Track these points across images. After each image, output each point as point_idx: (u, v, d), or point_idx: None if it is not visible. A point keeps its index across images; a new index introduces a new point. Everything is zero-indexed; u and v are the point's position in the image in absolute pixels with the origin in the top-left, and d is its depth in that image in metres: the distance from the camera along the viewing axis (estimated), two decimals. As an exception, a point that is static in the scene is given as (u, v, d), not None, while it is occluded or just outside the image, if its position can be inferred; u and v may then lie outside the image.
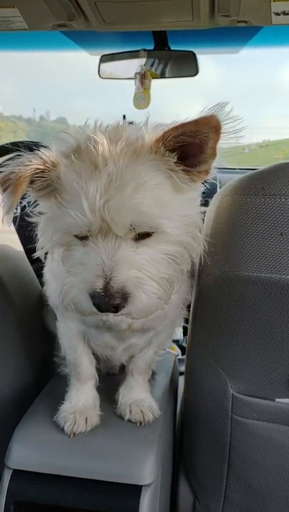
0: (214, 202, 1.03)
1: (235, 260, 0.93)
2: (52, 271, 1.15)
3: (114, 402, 1.22)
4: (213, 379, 1.13)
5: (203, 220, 0.98)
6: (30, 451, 1.08)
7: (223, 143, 0.86)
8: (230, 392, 1.11)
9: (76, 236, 0.89)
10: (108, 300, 0.84)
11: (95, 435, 1.12)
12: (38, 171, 0.90)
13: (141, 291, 0.85)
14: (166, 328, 1.22)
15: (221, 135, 0.84)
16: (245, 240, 0.91)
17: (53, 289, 1.17)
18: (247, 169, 3.22)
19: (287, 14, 1.54)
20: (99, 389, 1.23)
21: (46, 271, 1.20)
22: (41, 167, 0.90)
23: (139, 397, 1.22)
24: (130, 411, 1.19)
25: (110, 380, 1.30)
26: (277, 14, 1.53)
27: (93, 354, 1.24)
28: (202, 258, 0.99)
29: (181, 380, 1.56)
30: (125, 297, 0.84)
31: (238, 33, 1.99)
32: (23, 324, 1.33)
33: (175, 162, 0.88)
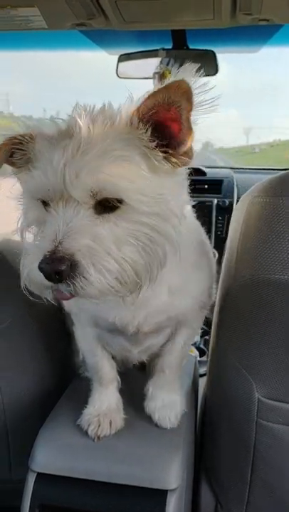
0: (243, 203, 1.01)
1: (266, 263, 0.91)
2: None
3: (137, 404, 1.21)
4: (238, 383, 1.12)
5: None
6: (55, 454, 1.07)
7: (200, 116, 0.80)
8: (256, 396, 1.09)
9: (44, 204, 0.86)
10: (52, 264, 0.76)
11: (119, 438, 1.11)
12: (16, 141, 0.89)
13: (92, 264, 0.77)
14: (188, 327, 1.19)
15: (194, 104, 0.77)
16: (278, 242, 0.90)
17: None
18: (261, 169, 3.23)
19: (309, 12, 1.52)
20: (121, 391, 1.22)
21: None
22: (19, 138, 0.89)
23: (169, 399, 1.20)
24: (157, 415, 1.18)
25: (133, 382, 1.29)
26: (300, 12, 1.52)
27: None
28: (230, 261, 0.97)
29: (201, 381, 1.55)
30: (73, 266, 0.77)
31: (258, 32, 1.97)
32: (42, 327, 1.32)
33: (150, 139, 0.82)
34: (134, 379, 1.32)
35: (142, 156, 0.82)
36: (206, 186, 2.66)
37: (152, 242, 0.83)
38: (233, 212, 1.11)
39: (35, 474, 1.06)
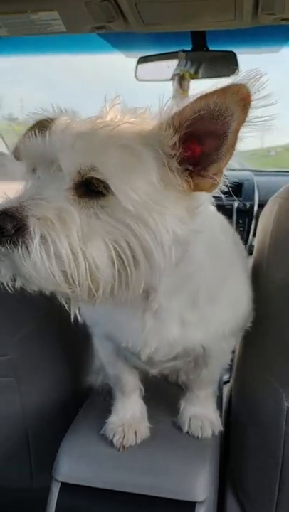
0: (272, 205, 0.99)
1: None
2: None
3: (164, 414, 1.19)
4: (266, 391, 1.09)
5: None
6: (79, 464, 1.05)
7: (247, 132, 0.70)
8: (285, 406, 1.06)
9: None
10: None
11: (145, 448, 1.09)
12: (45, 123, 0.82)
13: (42, 238, 0.67)
14: (214, 357, 1.08)
15: (249, 114, 0.68)
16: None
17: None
18: (282, 171, 3.18)
19: None
20: (146, 400, 1.20)
21: None
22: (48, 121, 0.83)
23: (202, 412, 1.17)
24: (189, 424, 1.15)
25: (157, 390, 1.26)
26: None
27: None
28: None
29: (225, 389, 1.52)
30: (20, 231, 0.67)
31: (279, 32, 1.94)
32: (61, 335, 1.31)
33: (173, 147, 0.73)
34: (158, 387, 1.29)
35: (156, 160, 0.74)
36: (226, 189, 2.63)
37: (129, 252, 0.72)
38: (261, 216, 1.08)
39: (59, 484, 1.04)
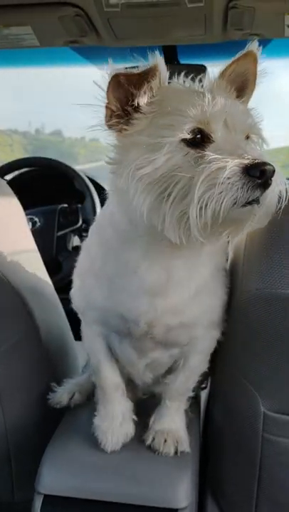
0: None
1: (271, 278, 0.92)
2: (79, 267, 1.14)
3: (145, 423, 1.20)
4: (243, 396, 1.11)
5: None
6: (61, 475, 1.06)
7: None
8: (261, 411, 1.09)
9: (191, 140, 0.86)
10: (266, 163, 0.80)
11: (128, 457, 1.10)
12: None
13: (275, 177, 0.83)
14: (196, 352, 1.16)
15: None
16: (282, 258, 0.90)
17: (77, 287, 1.14)
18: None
19: (300, 27, 1.55)
20: (136, 409, 1.21)
21: (75, 269, 1.17)
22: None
23: (170, 427, 1.17)
24: (153, 438, 1.15)
25: (143, 403, 1.27)
26: (290, 27, 1.54)
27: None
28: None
29: (203, 394, 1.55)
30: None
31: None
32: (43, 346, 1.31)
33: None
34: (143, 400, 1.31)
35: None
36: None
37: None
38: None
39: (42, 496, 1.04)
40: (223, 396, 1.22)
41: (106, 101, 0.89)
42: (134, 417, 1.18)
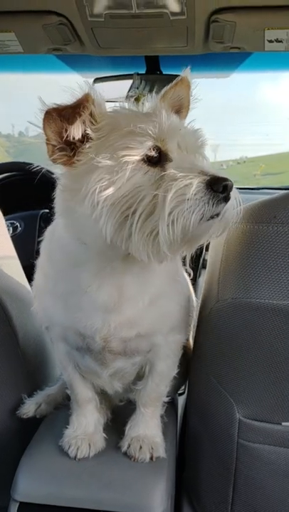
0: None
1: (247, 287, 0.94)
2: (35, 286, 1.15)
3: (122, 429, 1.21)
4: (218, 403, 1.13)
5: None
6: (38, 482, 1.06)
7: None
8: (236, 417, 1.11)
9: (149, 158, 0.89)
10: (224, 178, 0.84)
11: (104, 463, 1.11)
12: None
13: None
14: (160, 358, 1.17)
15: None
16: (258, 268, 0.92)
17: (37, 304, 1.15)
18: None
19: (279, 41, 1.59)
20: (113, 415, 1.22)
21: (33, 287, 1.17)
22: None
23: (145, 433, 1.18)
24: (129, 445, 1.16)
25: (120, 410, 1.28)
26: (270, 41, 1.58)
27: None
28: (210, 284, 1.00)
29: (180, 400, 1.56)
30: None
31: (229, 58, 2.04)
32: (18, 355, 1.31)
33: None
34: (120, 406, 1.32)
35: None
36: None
37: None
38: None
39: (18, 504, 1.04)
40: (200, 402, 1.23)
41: (45, 137, 0.90)
42: (110, 425, 1.21)
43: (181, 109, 1.05)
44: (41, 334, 1.44)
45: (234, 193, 0.87)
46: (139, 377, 1.22)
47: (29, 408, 1.30)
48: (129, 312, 1.04)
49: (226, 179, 0.84)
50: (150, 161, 0.88)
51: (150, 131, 0.88)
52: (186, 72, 1.04)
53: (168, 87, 1.04)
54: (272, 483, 1.14)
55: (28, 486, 1.05)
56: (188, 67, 1.05)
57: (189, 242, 0.89)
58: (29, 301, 1.43)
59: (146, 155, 0.87)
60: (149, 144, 0.88)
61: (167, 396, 1.25)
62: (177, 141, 0.91)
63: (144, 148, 0.87)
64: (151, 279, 1.05)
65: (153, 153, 0.88)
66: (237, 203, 0.88)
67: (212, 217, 0.85)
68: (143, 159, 0.88)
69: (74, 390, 1.21)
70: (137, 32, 1.61)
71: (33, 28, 1.57)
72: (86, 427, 1.18)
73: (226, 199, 0.85)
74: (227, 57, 1.99)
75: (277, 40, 1.57)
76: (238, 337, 1.01)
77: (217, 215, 0.85)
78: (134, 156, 0.87)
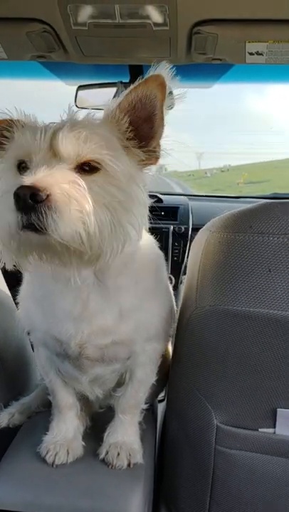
0: (202, 237, 1.06)
1: (224, 295, 0.96)
2: (21, 290, 1.16)
3: (101, 436, 1.21)
4: (197, 410, 1.14)
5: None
6: (16, 489, 1.05)
7: (169, 107, 0.94)
8: (214, 423, 1.12)
9: (20, 165, 0.92)
10: (30, 188, 0.79)
11: (82, 470, 1.11)
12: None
13: (67, 202, 0.81)
14: (139, 366, 1.18)
15: (167, 94, 0.92)
16: (235, 276, 0.94)
17: (20, 308, 1.16)
18: (214, 196, 3.33)
19: (260, 54, 1.62)
20: (92, 422, 1.22)
21: (21, 288, 1.18)
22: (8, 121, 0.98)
23: (123, 440, 1.18)
24: (107, 451, 1.16)
25: (101, 416, 1.28)
26: (251, 54, 1.61)
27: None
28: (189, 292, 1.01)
29: (160, 406, 1.56)
30: (49, 198, 0.80)
31: (211, 69, 2.07)
32: (6, 359, 1.31)
33: (126, 131, 0.95)
34: (101, 413, 1.32)
35: (120, 141, 0.95)
36: (163, 213, 2.72)
37: (119, 214, 0.89)
38: (192, 244, 1.15)
39: None
40: (178, 408, 1.24)
41: None
42: (88, 432, 1.21)
43: (153, 111, 0.93)
44: (22, 339, 1.44)
45: (66, 212, 0.81)
46: (119, 384, 1.22)
47: (2, 418, 1.31)
48: (100, 322, 1.05)
49: (22, 187, 0.80)
50: (19, 171, 0.93)
51: (19, 146, 0.93)
52: (160, 68, 0.91)
53: (130, 88, 0.93)
54: (249, 489, 1.15)
55: (6, 493, 1.04)
56: (162, 63, 0.92)
57: (31, 252, 0.88)
58: (9, 306, 1.43)
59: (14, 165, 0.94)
60: (16, 156, 0.93)
61: (146, 403, 1.25)
62: (45, 151, 0.89)
63: (13, 160, 0.94)
64: (120, 296, 1.06)
65: (16, 165, 0.94)
66: (71, 225, 0.82)
67: (35, 230, 0.81)
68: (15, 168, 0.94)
69: (55, 395, 1.21)
70: (121, 41, 1.63)
71: (17, 35, 1.57)
72: (66, 433, 1.18)
73: (27, 209, 0.80)
74: (209, 68, 2.02)
75: (257, 53, 1.61)
76: (215, 344, 1.03)
77: (42, 228, 0.80)
78: (7, 166, 0.95)
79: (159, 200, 2.81)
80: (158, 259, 1.18)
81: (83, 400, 1.25)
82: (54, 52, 1.70)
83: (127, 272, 1.06)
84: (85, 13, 1.46)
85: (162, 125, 0.95)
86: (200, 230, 1.09)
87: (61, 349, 1.09)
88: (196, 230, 2.51)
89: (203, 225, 1.09)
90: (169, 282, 1.24)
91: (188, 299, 1.09)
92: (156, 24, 1.49)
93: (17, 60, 1.77)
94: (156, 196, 2.84)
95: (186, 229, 2.69)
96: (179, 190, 13.65)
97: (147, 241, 1.12)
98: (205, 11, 1.43)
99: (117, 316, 1.05)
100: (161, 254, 1.20)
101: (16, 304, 1.45)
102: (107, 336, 1.06)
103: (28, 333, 1.19)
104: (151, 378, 1.22)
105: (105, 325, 1.05)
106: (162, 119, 0.94)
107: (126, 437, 1.18)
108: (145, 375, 1.19)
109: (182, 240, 2.68)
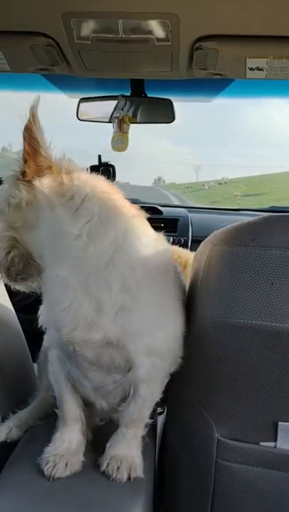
0: (204, 250, 1.06)
1: (226, 307, 0.96)
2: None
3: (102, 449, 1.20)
4: (198, 423, 1.14)
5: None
6: (15, 501, 1.04)
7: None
8: (215, 437, 1.12)
9: None
10: None
11: (82, 483, 1.09)
12: None
13: None
14: (142, 381, 1.14)
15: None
16: (237, 288, 0.95)
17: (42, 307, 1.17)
18: (213, 209, 3.35)
19: (260, 70, 1.64)
20: (95, 435, 1.21)
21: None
22: None
23: (124, 453, 1.16)
24: (108, 464, 1.14)
25: (103, 430, 1.27)
26: (251, 69, 1.63)
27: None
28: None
29: (160, 418, 1.55)
30: None
31: (212, 84, 2.10)
32: (5, 368, 1.30)
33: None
34: (104, 426, 1.31)
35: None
36: (162, 225, 2.73)
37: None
38: (194, 256, 1.16)
39: None
40: (179, 421, 1.24)
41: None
42: (89, 444, 1.19)
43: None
44: (22, 348, 1.44)
45: None
46: (124, 399, 1.20)
47: (0, 433, 1.30)
48: (80, 311, 1.05)
49: None
50: None
51: None
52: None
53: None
54: (249, 503, 1.15)
55: (5, 505, 1.03)
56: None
57: None
58: (9, 315, 1.43)
59: None
60: None
61: (150, 418, 1.24)
62: None
63: None
64: (99, 291, 1.06)
65: None
66: None
67: None
68: None
69: (63, 406, 1.20)
70: (123, 56, 1.64)
71: (21, 49, 1.59)
72: (69, 445, 1.17)
73: None
74: (210, 82, 2.05)
75: (258, 68, 1.62)
76: (217, 356, 1.03)
77: None
78: None
79: (159, 212, 2.82)
80: (162, 270, 1.14)
81: (87, 411, 1.24)
82: (57, 65, 1.71)
83: (109, 271, 1.06)
84: (89, 27, 1.48)
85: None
86: (202, 243, 1.10)
87: (63, 341, 1.09)
88: (195, 241, 2.52)
89: (203, 237, 1.10)
90: (179, 299, 1.17)
91: (190, 312, 1.09)
92: (158, 39, 1.50)
93: (20, 72, 1.78)
94: (155, 208, 2.86)
95: (186, 240, 2.71)
96: (176, 203, 13.69)
97: (153, 248, 1.12)
98: (206, 27, 1.45)
99: (95, 306, 1.04)
100: (170, 265, 1.17)
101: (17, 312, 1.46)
102: (92, 329, 1.05)
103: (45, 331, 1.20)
104: (156, 396, 1.19)
105: (86, 314, 1.05)
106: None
107: (128, 451, 1.17)
108: (149, 393, 1.16)
109: (181, 251, 2.69)
